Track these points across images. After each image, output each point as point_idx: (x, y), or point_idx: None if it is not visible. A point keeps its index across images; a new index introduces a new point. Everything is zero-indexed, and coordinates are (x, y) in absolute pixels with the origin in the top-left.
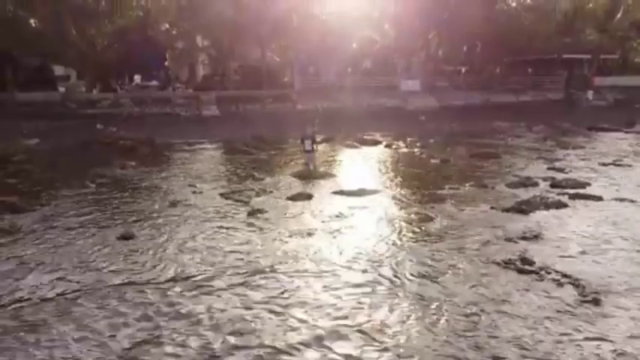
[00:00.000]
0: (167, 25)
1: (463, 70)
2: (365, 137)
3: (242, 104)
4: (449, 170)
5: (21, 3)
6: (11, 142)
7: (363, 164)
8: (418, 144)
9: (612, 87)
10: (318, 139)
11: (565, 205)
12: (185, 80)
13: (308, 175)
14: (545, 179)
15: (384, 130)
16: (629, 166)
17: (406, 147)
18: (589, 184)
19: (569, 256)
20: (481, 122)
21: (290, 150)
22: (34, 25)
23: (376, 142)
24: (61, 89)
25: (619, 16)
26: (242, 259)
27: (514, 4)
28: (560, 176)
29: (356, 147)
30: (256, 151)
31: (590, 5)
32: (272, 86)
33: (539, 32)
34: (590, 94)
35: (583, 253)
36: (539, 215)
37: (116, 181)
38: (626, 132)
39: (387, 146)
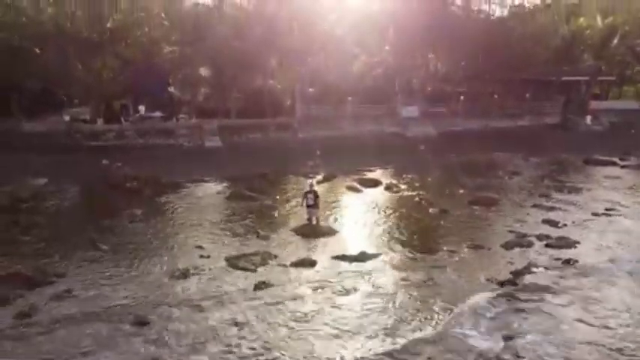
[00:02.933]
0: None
1: (462, 97)
2: (366, 173)
3: (244, 133)
4: (447, 223)
5: (27, 35)
6: (20, 184)
7: (363, 216)
8: (417, 183)
9: (608, 110)
10: (319, 176)
11: (553, 290)
12: (188, 100)
13: (310, 233)
14: (539, 237)
15: (385, 162)
16: (619, 215)
17: (406, 187)
18: (579, 243)
19: None
20: (480, 153)
21: (292, 191)
22: (39, 53)
23: (376, 183)
24: (66, 117)
25: (616, 41)
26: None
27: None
28: (554, 232)
29: (357, 190)
30: (259, 196)
31: (588, 31)
32: (274, 111)
33: (537, 57)
34: (587, 118)
35: None
36: (529, 303)
37: (125, 243)
38: (622, 167)
39: (387, 188)
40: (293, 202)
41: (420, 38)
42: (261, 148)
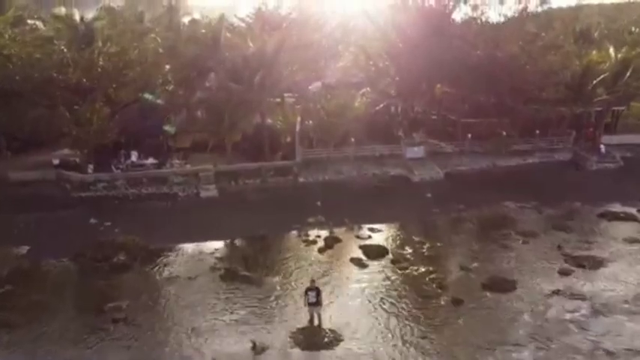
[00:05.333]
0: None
1: (469, 135)
2: (371, 234)
3: (241, 179)
4: (462, 321)
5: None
6: (1, 251)
7: (369, 312)
8: (426, 252)
9: (620, 145)
10: (321, 233)
11: None
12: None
13: (311, 342)
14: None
15: (391, 216)
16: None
17: (414, 259)
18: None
19: None
20: (489, 202)
21: (292, 263)
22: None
23: (383, 253)
24: (55, 161)
25: (628, 74)
26: None
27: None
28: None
29: (361, 265)
30: (256, 276)
31: (600, 67)
32: (273, 149)
33: (547, 92)
34: (600, 149)
35: None
36: None
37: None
38: None
39: (394, 262)
40: (293, 284)
41: (425, 72)
42: (260, 197)
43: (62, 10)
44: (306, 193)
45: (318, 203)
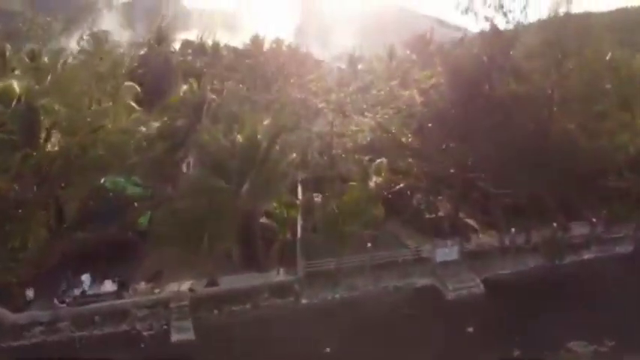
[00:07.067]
0: None
1: (513, 230)
2: None
3: (227, 305)
4: None
5: None
6: None
7: None
8: None
9: None
10: None
11: None
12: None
13: None
14: None
15: None
16: None
17: None
18: None
19: None
20: (549, 341)
21: None
22: None
23: None
24: None
25: None
26: None
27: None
28: None
29: None
30: None
31: None
32: (268, 247)
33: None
34: None
35: None
36: None
37: None
38: None
39: None
40: None
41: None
42: (252, 334)
43: None
44: (310, 324)
45: (327, 349)
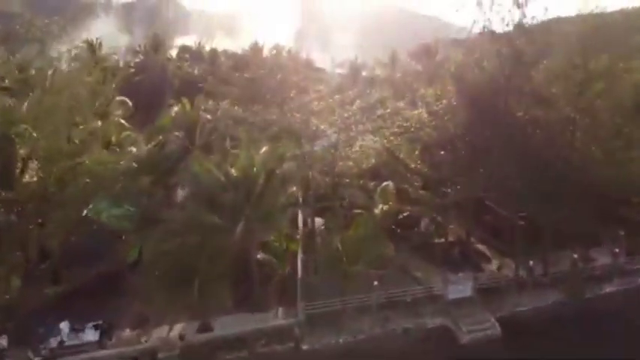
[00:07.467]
0: None
1: (531, 262)
2: None
3: (221, 354)
4: None
5: None
6: None
7: None
8: None
9: None
10: None
11: None
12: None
13: None
14: None
15: None
16: None
17: None
18: None
19: None
20: None
21: None
22: None
23: None
24: None
25: None
26: None
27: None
28: None
29: None
30: None
31: None
32: (266, 284)
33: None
34: None
35: None
36: None
37: None
38: None
39: None
40: None
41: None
42: None
43: None
44: None
45: None
